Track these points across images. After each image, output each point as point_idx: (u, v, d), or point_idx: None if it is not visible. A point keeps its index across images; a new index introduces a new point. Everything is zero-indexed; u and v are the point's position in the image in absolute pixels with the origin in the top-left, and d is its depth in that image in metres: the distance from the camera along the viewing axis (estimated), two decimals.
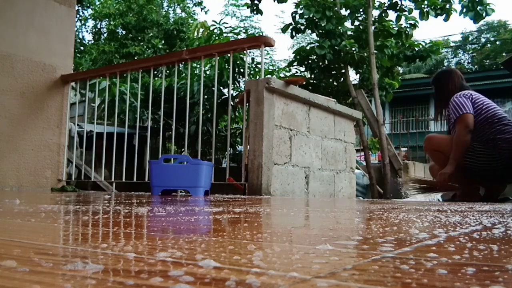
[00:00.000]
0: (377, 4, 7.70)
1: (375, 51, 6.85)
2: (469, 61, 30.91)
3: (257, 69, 8.82)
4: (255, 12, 8.25)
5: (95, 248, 0.52)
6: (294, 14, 7.88)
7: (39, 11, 4.24)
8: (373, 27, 7.12)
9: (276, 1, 7.83)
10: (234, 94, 8.29)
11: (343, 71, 7.85)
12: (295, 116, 3.57)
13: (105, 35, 17.03)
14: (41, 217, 0.99)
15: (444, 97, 3.31)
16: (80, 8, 15.91)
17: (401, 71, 20.03)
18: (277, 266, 0.41)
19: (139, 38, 15.17)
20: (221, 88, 8.58)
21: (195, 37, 12.09)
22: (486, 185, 3.32)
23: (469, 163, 3.13)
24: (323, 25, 7.48)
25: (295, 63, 8.29)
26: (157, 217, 1.05)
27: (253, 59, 9.19)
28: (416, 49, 7.90)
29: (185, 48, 11.70)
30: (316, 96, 3.89)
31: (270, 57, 12.41)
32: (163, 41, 14.89)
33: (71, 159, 4.80)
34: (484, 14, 7.04)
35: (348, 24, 7.96)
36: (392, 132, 18.43)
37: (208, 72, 9.34)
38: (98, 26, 17.80)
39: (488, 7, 7.00)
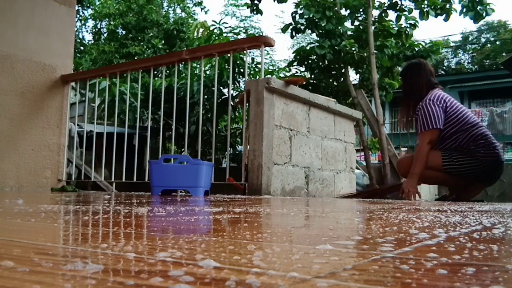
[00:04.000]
0: (377, 4, 7.69)
1: (375, 51, 6.85)
2: (469, 61, 30.89)
3: (257, 69, 8.82)
4: (255, 12, 8.24)
5: (95, 248, 0.52)
6: (294, 14, 7.88)
7: (39, 11, 4.24)
8: (373, 27, 7.12)
9: (276, 1, 7.82)
10: (234, 94, 8.29)
11: (343, 71, 7.85)
12: (295, 116, 3.57)
13: (105, 35, 17.05)
14: (41, 217, 0.99)
15: (413, 93, 3.20)
16: (80, 8, 15.92)
17: None
18: (277, 266, 0.41)
19: (139, 38, 15.18)
20: (221, 88, 8.58)
21: (195, 37, 12.09)
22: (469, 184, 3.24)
23: (451, 171, 3.08)
24: (323, 25, 7.48)
25: (295, 63, 8.29)
26: (157, 217, 1.05)
27: (253, 59, 9.19)
28: (416, 49, 7.90)
29: (185, 48, 11.71)
30: (316, 96, 3.89)
31: (270, 57, 12.42)
32: (163, 41, 14.91)
33: (71, 159, 4.80)
34: (484, 14, 7.03)
35: (348, 24, 7.96)
36: (392, 132, 18.43)
37: (208, 72, 9.34)
38: (98, 26, 17.82)
39: (488, 7, 7.00)
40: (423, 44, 8.07)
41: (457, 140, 3.07)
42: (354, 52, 7.38)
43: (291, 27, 7.95)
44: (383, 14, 7.67)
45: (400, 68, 7.35)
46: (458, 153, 3.07)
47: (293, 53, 8.38)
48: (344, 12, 7.83)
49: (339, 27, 7.54)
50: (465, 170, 3.06)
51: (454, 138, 3.07)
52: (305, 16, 7.64)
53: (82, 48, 16.77)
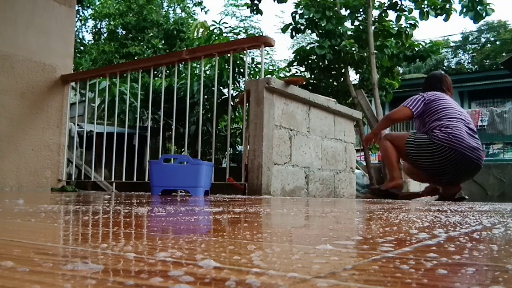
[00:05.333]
0: (377, 4, 7.69)
1: (375, 51, 6.85)
2: (469, 61, 30.89)
3: (257, 69, 8.81)
4: (255, 12, 8.25)
5: (95, 248, 0.52)
6: (294, 14, 7.88)
7: (39, 11, 4.24)
8: (373, 27, 7.12)
9: (276, 1, 7.82)
10: (234, 94, 8.28)
11: (343, 71, 7.85)
12: (295, 116, 3.57)
13: (105, 35, 17.05)
14: (41, 217, 0.99)
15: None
16: (80, 8, 15.91)
17: (401, 71, 20.04)
18: (277, 266, 0.41)
19: (139, 38, 15.17)
20: (221, 88, 8.58)
21: (195, 37, 12.09)
22: (439, 183, 3.56)
23: (413, 159, 3.40)
24: (323, 25, 7.48)
25: (295, 63, 8.29)
26: (157, 217, 1.05)
27: (253, 59, 9.18)
28: (416, 49, 7.90)
29: (185, 48, 11.70)
30: (316, 96, 3.89)
31: (270, 57, 12.41)
32: (163, 41, 14.90)
33: (71, 159, 4.80)
34: (484, 14, 7.03)
35: (348, 24, 7.96)
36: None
37: (208, 72, 9.34)
38: (98, 26, 17.82)
39: (488, 7, 7.00)
40: (423, 44, 8.06)
41: (429, 127, 3.40)
42: (354, 52, 7.38)
43: (291, 27, 7.94)
44: (383, 14, 7.67)
45: (400, 68, 7.37)
46: (420, 137, 3.40)
47: (293, 53, 8.37)
48: (344, 12, 7.83)
49: (339, 27, 7.53)
50: (422, 160, 3.36)
51: (428, 125, 3.41)
52: (305, 16, 7.64)
53: (82, 48, 16.77)
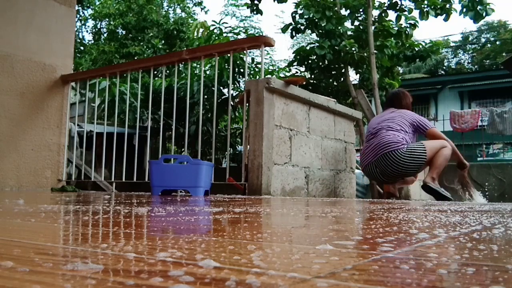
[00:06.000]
0: (377, 4, 7.69)
1: (375, 51, 6.84)
2: (469, 61, 30.89)
3: (257, 69, 8.81)
4: (255, 12, 8.24)
5: (95, 248, 0.52)
6: (294, 14, 7.87)
7: (39, 11, 4.24)
8: (373, 27, 7.11)
9: (276, 1, 7.82)
10: (234, 94, 8.28)
11: (343, 71, 7.84)
12: (295, 116, 3.57)
13: (105, 35, 17.04)
14: (41, 217, 0.99)
15: None
16: (80, 8, 15.91)
17: (401, 71, 20.04)
18: (277, 266, 0.41)
19: (139, 38, 15.18)
20: (221, 88, 8.57)
21: (195, 37, 12.09)
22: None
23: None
24: (323, 25, 7.47)
25: (295, 63, 8.29)
26: (157, 217, 1.05)
27: (253, 59, 9.18)
28: (416, 49, 7.90)
29: (185, 48, 11.69)
30: (316, 96, 3.89)
31: (270, 57, 12.41)
32: (163, 41, 14.90)
33: (71, 159, 4.80)
34: (484, 14, 7.02)
35: (348, 24, 7.95)
36: None
37: (208, 72, 9.33)
38: (98, 26, 17.82)
39: (488, 7, 6.99)
40: (423, 44, 8.06)
41: None
42: (354, 52, 7.37)
43: (291, 27, 7.94)
44: (383, 14, 7.66)
45: (400, 68, 7.40)
46: None
47: (293, 53, 8.37)
48: (344, 12, 7.83)
49: (339, 27, 7.53)
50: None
51: None
52: (305, 16, 7.64)
53: (82, 48, 16.77)
